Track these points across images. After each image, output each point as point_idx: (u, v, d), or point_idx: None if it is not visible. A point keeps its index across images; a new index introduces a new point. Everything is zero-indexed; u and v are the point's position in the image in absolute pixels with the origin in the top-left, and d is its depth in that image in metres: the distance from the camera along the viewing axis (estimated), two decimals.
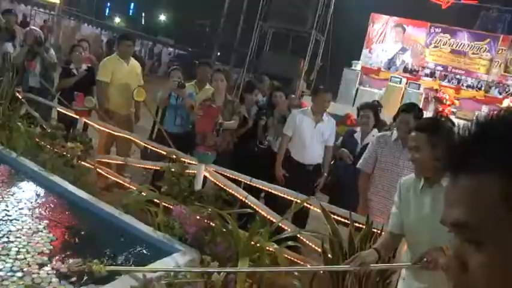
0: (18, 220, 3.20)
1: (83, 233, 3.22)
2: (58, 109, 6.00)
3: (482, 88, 15.94)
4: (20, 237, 2.94)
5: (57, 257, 2.77)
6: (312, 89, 5.24)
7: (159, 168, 4.62)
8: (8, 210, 3.31)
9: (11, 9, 7.96)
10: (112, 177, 5.40)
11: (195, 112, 4.63)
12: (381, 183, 3.94)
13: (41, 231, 3.10)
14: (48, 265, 2.67)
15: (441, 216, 0.67)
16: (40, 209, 3.47)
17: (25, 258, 2.70)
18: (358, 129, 4.94)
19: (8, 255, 2.69)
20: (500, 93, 15.66)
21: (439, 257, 2.14)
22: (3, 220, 3.15)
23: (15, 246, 2.81)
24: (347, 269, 2.40)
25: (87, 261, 2.51)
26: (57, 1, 21.22)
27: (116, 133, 5.35)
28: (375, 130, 4.81)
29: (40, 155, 4.52)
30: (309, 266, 3.36)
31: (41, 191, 3.84)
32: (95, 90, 6.60)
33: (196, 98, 5.40)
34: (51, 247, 2.91)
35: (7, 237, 2.91)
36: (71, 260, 2.62)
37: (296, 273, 3.05)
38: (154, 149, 4.85)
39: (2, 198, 3.51)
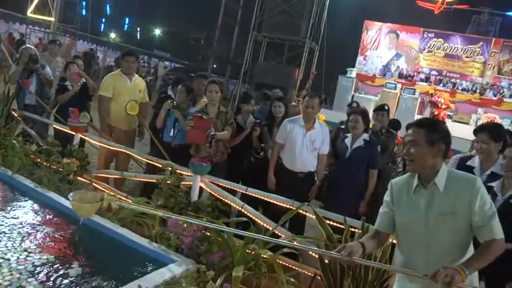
0: (13, 237, 3.21)
1: (79, 247, 3.22)
2: (54, 126, 6.02)
3: (477, 91, 16.05)
4: (15, 254, 2.95)
5: (53, 271, 2.78)
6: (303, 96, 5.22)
7: (155, 181, 4.64)
8: (3, 229, 3.33)
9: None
10: (109, 192, 5.41)
11: (187, 122, 4.64)
12: None
13: (37, 246, 3.11)
14: (43, 276, 2.69)
15: None
16: (36, 225, 3.49)
17: (20, 274, 2.71)
18: (349, 134, 4.96)
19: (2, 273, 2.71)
20: (495, 95, 15.78)
21: (456, 275, 2.06)
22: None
23: (9, 265, 2.82)
24: (336, 256, 2.34)
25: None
26: (52, 19, 21.34)
27: (112, 148, 5.37)
28: (365, 134, 4.82)
29: (36, 172, 4.54)
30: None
31: (37, 208, 3.86)
32: (91, 106, 6.66)
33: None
34: (48, 262, 2.92)
35: (2, 255, 2.92)
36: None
37: (293, 280, 3.06)
38: (152, 162, 4.87)
39: None
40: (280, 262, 3.31)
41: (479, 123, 14.17)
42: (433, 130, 2.35)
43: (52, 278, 2.72)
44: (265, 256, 3.14)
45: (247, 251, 3.21)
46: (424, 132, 2.34)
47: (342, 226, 3.50)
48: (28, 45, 6.94)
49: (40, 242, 3.21)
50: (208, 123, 4.50)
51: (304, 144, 4.80)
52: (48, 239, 3.29)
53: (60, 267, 2.88)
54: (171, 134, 5.26)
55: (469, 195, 2.26)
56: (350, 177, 4.71)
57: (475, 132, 3.83)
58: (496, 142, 3.62)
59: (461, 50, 16.72)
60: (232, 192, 4.29)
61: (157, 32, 40.31)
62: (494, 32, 18.05)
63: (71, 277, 2.77)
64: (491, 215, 2.24)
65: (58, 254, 3.07)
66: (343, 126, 6.14)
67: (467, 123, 14.40)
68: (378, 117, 5.88)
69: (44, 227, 3.50)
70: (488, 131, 3.65)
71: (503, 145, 3.65)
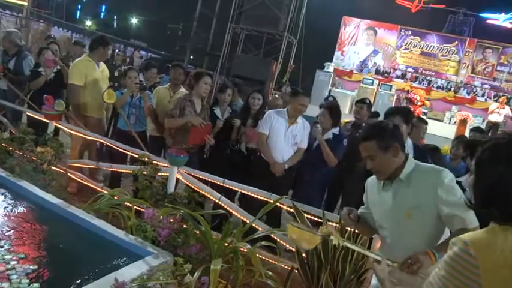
0: None
1: (53, 238, 3.15)
2: (27, 113, 5.86)
3: (452, 89, 16.36)
4: None
5: (25, 262, 2.71)
6: (292, 91, 5.23)
7: (131, 171, 4.58)
8: None
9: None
10: (84, 182, 5.32)
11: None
12: None
13: (8, 237, 3.03)
14: (15, 271, 2.61)
15: None
16: (7, 216, 3.39)
17: None
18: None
19: None
20: (468, 94, 16.11)
21: (426, 259, 2.04)
22: None
23: None
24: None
25: None
26: (24, 3, 20.72)
27: (87, 137, 5.28)
28: (336, 128, 4.89)
29: (8, 161, 4.40)
30: None
31: (9, 197, 3.75)
32: (66, 93, 6.51)
33: (171, 101, 5.41)
34: (20, 253, 2.84)
35: None
36: None
37: (270, 273, 3.05)
38: (129, 153, 4.80)
39: None
40: (258, 255, 3.29)
41: (453, 120, 14.46)
42: (381, 137, 2.36)
43: (23, 270, 2.64)
44: (243, 249, 3.12)
45: (225, 243, 3.19)
46: (375, 143, 2.35)
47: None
48: (12, 30, 6.69)
49: (11, 232, 3.12)
50: (209, 128, 4.93)
51: (286, 138, 4.81)
52: (20, 229, 3.20)
53: (32, 258, 2.80)
54: (131, 121, 5.32)
55: (433, 187, 2.26)
56: (313, 169, 4.77)
57: (387, 115, 3.92)
58: (407, 125, 3.80)
59: (437, 48, 16.99)
60: (206, 183, 4.26)
61: (134, 21, 39.62)
62: (468, 32, 18.44)
63: (44, 269, 2.70)
64: (463, 206, 2.12)
65: (30, 245, 2.99)
66: (318, 121, 6.18)
67: (442, 121, 14.70)
68: (356, 109, 5.91)
69: (16, 217, 3.40)
70: (402, 114, 3.80)
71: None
